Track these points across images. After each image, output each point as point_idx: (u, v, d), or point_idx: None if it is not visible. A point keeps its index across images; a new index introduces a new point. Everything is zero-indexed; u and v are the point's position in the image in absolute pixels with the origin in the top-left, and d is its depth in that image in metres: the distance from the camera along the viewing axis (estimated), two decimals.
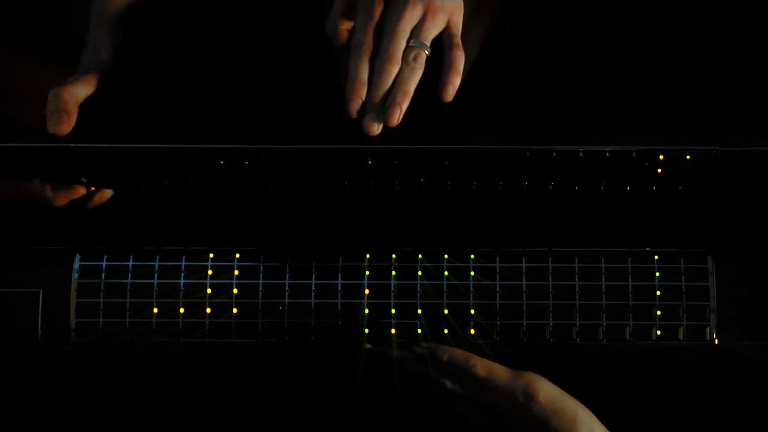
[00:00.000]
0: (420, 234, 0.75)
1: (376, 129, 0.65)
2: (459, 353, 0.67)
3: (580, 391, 0.71)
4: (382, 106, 0.65)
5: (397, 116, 0.64)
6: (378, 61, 0.66)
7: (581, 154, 0.65)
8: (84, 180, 0.71)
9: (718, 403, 0.71)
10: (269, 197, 0.74)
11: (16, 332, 0.72)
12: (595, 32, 0.76)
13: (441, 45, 0.68)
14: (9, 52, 0.75)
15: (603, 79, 0.74)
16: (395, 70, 0.66)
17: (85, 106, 0.68)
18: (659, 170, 0.67)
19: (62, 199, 0.71)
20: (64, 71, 0.70)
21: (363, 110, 0.65)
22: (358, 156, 0.66)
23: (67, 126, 0.65)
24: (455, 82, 0.67)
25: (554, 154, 0.65)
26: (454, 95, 0.67)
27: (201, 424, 0.73)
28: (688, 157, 0.66)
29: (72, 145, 0.66)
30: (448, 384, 0.67)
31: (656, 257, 0.72)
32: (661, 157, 0.66)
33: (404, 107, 0.65)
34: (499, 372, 0.66)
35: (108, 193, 0.74)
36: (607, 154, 0.65)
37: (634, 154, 0.65)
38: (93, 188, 0.73)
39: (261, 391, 0.73)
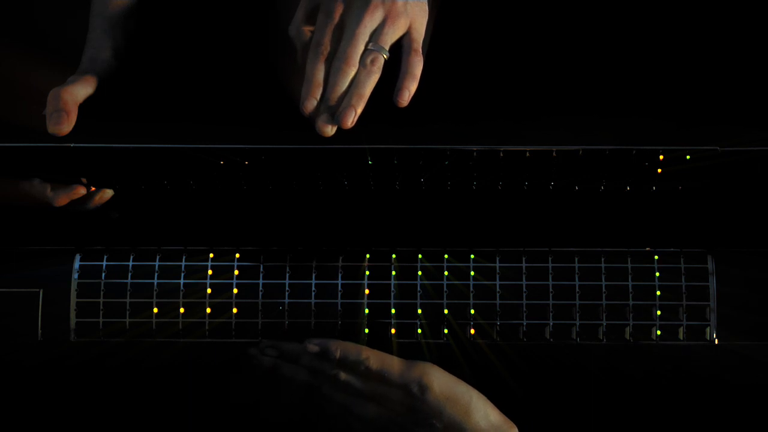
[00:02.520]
0: (420, 234, 0.75)
1: (330, 130, 0.65)
2: (351, 347, 0.67)
3: (580, 391, 0.71)
4: (338, 107, 0.65)
5: (351, 119, 0.64)
6: (335, 62, 0.66)
7: (581, 154, 0.65)
8: (84, 180, 0.71)
9: (718, 402, 0.71)
10: (269, 197, 0.74)
11: (16, 332, 0.72)
12: (594, 32, 0.76)
13: (400, 50, 0.68)
14: (9, 52, 0.75)
15: (603, 79, 0.74)
16: (352, 72, 0.65)
17: (85, 106, 0.68)
18: (659, 170, 0.67)
19: (62, 199, 0.71)
20: (64, 71, 0.70)
21: (318, 111, 0.65)
22: (358, 156, 0.66)
23: (67, 126, 0.65)
24: (411, 87, 0.66)
25: (554, 154, 0.65)
26: (409, 100, 0.66)
27: (201, 423, 0.73)
28: (688, 157, 0.66)
29: (72, 145, 0.66)
30: (342, 377, 0.67)
31: (656, 257, 0.72)
32: (661, 157, 0.66)
33: (359, 110, 0.65)
34: (393, 364, 0.66)
35: (108, 193, 0.74)
36: (607, 153, 0.65)
37: (634, 154, 0.65)
38: (93, 188, 0.73)
39: (260, 391, 0.73)
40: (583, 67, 0.75)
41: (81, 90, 0.68)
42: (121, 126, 0.68)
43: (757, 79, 0.73)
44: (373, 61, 0.66)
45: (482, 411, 0.65)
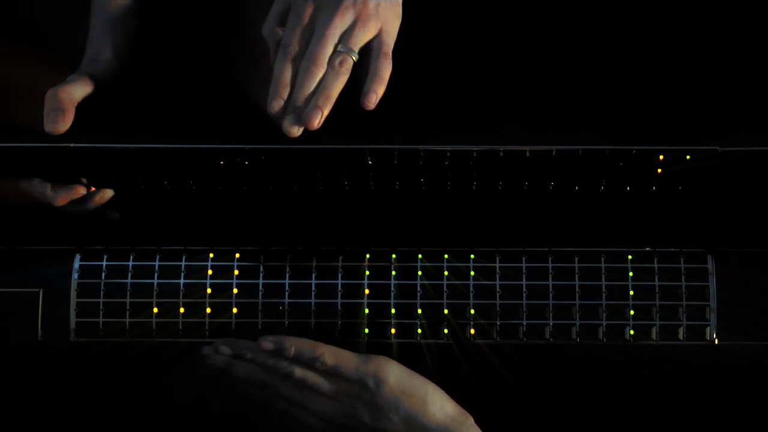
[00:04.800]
0: (420, 234, 0.75)
1: (296, 131, 0.65)
2: (306, 343, 0.67)
3: (580, 391, 0.71)
4: (304, 108, 0.65)
5: (317, 120, 0.64)
6: (303, 63, 0.66)
7: (581, 154, 0.65)
8: (84, 180, 0.71)
9: (717, 403, 0.71)
10: (269, 197, 0.74)
11: (16, 332, 0.72)
12: (594, 31, 0.76)
13: (369, 52, 0.68)
14: (9, 52, 0.75)
15: (604, 79, 0.74)
16: (320, 73, 0.65)
17: (84, 106, 0.68)
18: (659, 170, 0.67)
19: (62, 199, 0.71)
20: (64, 71, 0.70)
21: (285, 111, 0.65)
22: (358, 156, 0.66)
23: (63, 125, 0.65)
24: (378, 90, 0.66)
25: (554, 154, 0.65)
26: (376, 103, 0.66)
27: (201, 423, 0.73)
28: (688, 157, 0.66)
29: (72, 145, 0.66)
30: (297, 373, 0.66)
31: (656, 257, 0.72)
32: (661, 157, 0.66)
33: (325, 111, 0.64)
34: (348, 359, 0.66)
35: (108, 193, 0.74)
36: (607, 153, 0.65)
37: (634, 154, 0.65)
38: (93, 188, 0.73)
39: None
40: (585, 67, 0.75)
41: (79, 90, 0.68)
42: (121, 126, 0.68)
43: (756, 79, 0.73)
44: (341, 63, 0.65)
45: (438, 403, 0.65)
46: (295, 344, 0.67)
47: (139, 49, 0.75)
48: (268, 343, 0.67)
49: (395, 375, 0.65)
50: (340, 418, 0.66)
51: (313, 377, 0.66)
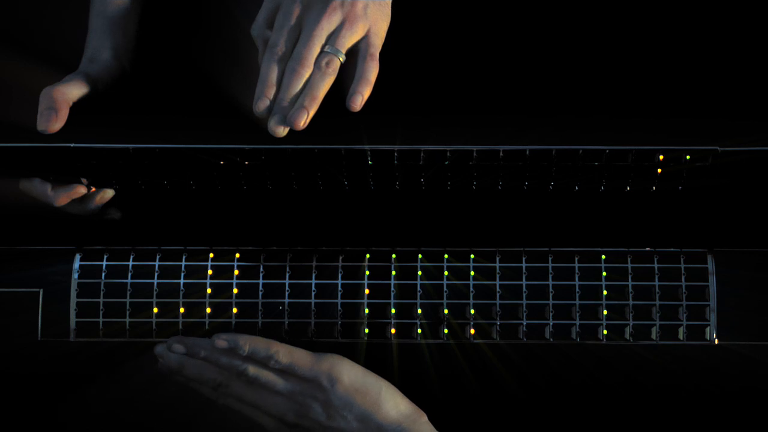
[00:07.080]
0: (420, 234, 0.75)
1: (282, 132, 0.65)
2: (260, 341, 0.67)
3: (580, 392, 0.71)
4: (290, 108, 0.65)
5: (303, 120, 0.64)
6: (290, 63, 0.66)
7: (581, 154, 0.65)
8: (84, 180, 0.71)
9: (718, 403, 0.71)
10: (269, 197, 0.74)
11: (16, 332, 0.72)
12: (594, 31, 0.76)
13: (356, 53, 0.68)
14: (9, 52, 0.75)
15: (604, 79, 0.74)
16: (306, 73, 0.65)
17: (84, 106, 0.68)
18: (659, 170, 0.67)
19: (62, 199, 0.71)
20: (63, 71, 0.70)
21: (271, 112, 0.65)
22: (358, 156, 0.66)
23: (56, 124, 0.66)
24: (364, 92, 0.66)
25: (554, 154, 0.65)
26: (362, 105, 0.66)
27: (202, 424, 0.73)
28: (688, 157, 0.66)
29: (72, 145, 0.66)
30: (251, 372, 0.66)
31: (656, 257, 0.72)
32: (661, 157, 0.66)
33: (311, 112, 0.65)
34: (302, 358, 0.66)
35: (108, 193, 0.74)
36: (607, 153, 0.65)
37: (634, 154, 0.65)
38: (93, 188, 0.73)
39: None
40: (585, 66, 0.75)
41: (74, 89, 0.68)
42: (122, 126, 0.68)
43: (757, 78, 0.73)
44: (328, 64, 0.66)
45: (392, 401, 0.65)
46: (249, 342, 0.67)
47: (138, 49, 0.75)
48: (221, 341, 0.67)
49: (349, 373, 0.65)
50: (294, 417, 0.66)
51: (266, 375, 0.66)
